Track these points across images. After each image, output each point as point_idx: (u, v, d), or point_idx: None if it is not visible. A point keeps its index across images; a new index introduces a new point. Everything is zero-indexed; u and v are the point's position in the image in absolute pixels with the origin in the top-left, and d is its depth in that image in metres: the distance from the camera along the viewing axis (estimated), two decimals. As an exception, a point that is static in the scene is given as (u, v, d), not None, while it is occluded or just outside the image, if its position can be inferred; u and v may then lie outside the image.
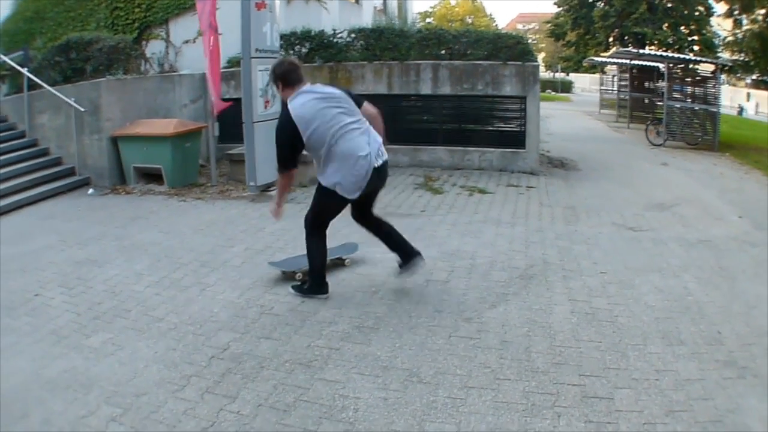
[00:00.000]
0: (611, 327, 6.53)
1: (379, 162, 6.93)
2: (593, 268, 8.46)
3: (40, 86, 14.76)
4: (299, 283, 7.78)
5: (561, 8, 61.21)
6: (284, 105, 7.01)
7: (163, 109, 15.78)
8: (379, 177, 7.02)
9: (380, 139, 7.12)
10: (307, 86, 7.02)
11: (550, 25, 67.87)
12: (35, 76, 15.02)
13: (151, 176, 14.25)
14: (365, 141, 6.88)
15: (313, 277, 7.54)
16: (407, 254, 7.63)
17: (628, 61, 33.61)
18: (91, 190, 13.98)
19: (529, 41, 20.41)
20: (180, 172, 14.09)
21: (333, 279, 7.86)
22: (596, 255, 9.07)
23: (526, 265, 8.58)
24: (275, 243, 9.71)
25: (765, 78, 32.93)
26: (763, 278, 8.47)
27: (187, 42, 19.35)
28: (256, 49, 12.46)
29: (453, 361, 5.79)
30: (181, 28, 19.56)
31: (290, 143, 6.90)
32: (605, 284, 7.88)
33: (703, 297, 7.54)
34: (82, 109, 14.05)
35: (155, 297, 7.63)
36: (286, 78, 7.03)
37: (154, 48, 19.72)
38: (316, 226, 7.43)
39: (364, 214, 7.62)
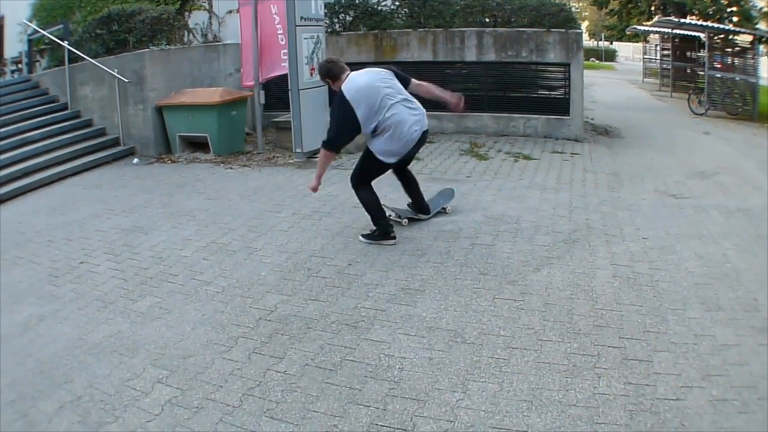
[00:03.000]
0: (652, 291, 6.49)
1: (419, 133, 7.75)
2: (635, 234, 8.40)
3: (82, 59, 14.85)
4: (368, 231, 8.20)
5: (604, -25, 60.33)
6: (340, 93, 7.56)
7: (208, 79, 15.86)
8: (416, 145, 7.92)
9: (422, 110, 7.86)
10: (353, 73, 7.80)
11: (593, -8, 66.91)
12: (76, 49, 15.10)
13: (197, 145, 14.37)
14: (408, 114, 7.66)
15: (377, 224, 8.09)
16: (420, 208, 8.84)
17: (669, 30, 33.20)
18: (136, 160, 14.17)
19: (572, 9, 20.20)
20: (226, 140, 14.16)
21: (377, 243, 7.95)
22: (638, 221, 8.99)
23: (569, 229, 8.53)
24: (322, 208, 9.72)
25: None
26: None
27: (230, 12, 19.08)
28: (301, 17, 12.38)
29: (497, 323, 5.80)
30: None
31: (351, 126, 7.52)
32: (647, 250, 7.80)
33: (741, 264, 7.44)
34: (126, 80, 14.20)
35: (203, 261, 7.74)
36: (331, 73, 7.93)
37: (197, 19, 19.61)
38: (361, 183, 8.14)
39: (401, 170, 8.55)
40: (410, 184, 8.75)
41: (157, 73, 14.47)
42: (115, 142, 14.66)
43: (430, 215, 8.92)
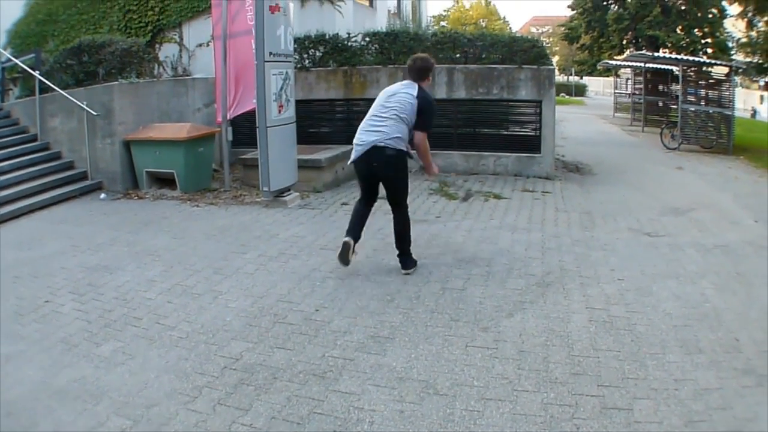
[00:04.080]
0: (630, 335, 6.45)
1: (364, 147, 8.14)
2: (610, 275, 8.38)
3: (52, 89, 14.78)
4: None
5: (575, 11, 60.99)
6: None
7: (176, 113, 15.81)
8: (368, 162, 8.20)
9: (387, 134, 8.05)
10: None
11: (563, 28, 67.50)
12: (47, 79, 15.06)
13: (164, 181, 14.28)
14: (369, 126, 8.24)
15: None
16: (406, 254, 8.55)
17: (642, 64, 33.51)
18: (103, 195, 14.04)
19: (544, 44, 20.35)
20: (193, 177, 14.10)
21: (346, 287, 7.88)
22: (613, 261, 8.97)
23: (542, 272, 8.48)
24: (289, 249, 9.61)
25: (780, 79, 32.81)
26: None
27: (200, 45, 19.51)
28: (270, 53, 12.28)
29: (470, 372, 5.72)
30: (195, 31, 19.73)
31: None
32: (623, 291, 7.78)
33: (721, 303, 7.46)
34: (95, 113, 14.10)
35: (167, 305, 7.60)
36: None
37: (167, 51, 19.89)
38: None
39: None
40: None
41: (126, 107, 14.45)
42: (84, 176, 14.57)
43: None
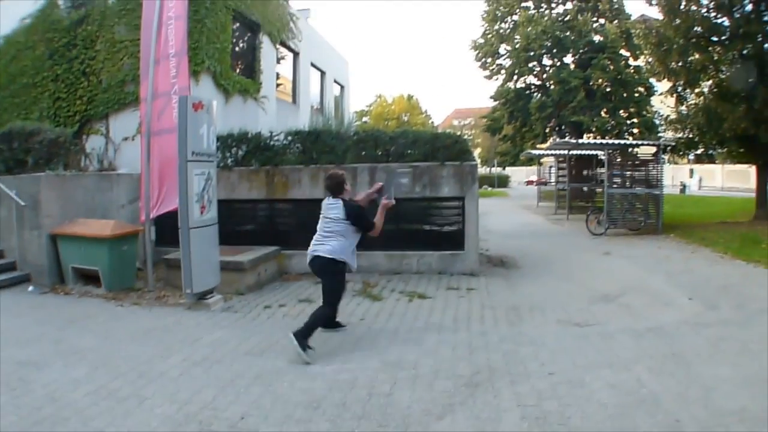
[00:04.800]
0: (564, 429, 6.40)
1: (309, 255, 9.81)
2: (541, 370, 8.34)
3: (-19, 174, 14.71)
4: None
5: (497, 102, 61.91)
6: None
7: (101, 209, 15.77)
8: (313, 265, 9.85)
9: (328, 246, 9.61)
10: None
11: (486, 119, 68.62)
12: (-26, 162, 14.99)
13: (90, 277, 14.18)
14: (316, 237, 9.89)
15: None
16: (306, 332, 9.32)
17: (566, 152, 34.02)
18: (31, 288, 14.03)
19: (466, 137, 20.56)
20: (117, 276, 14.03)
21: (271, 395, 7.75)
22: (543, 355, 8.94)
23: (471, 372, 8.39)
24: (213, 354, 9.46)
25: (710, 152, 33.38)
26: (721, 358, 8.65)
27: (126, 139, 19.50)
28: (193, 152, 12.21)
29: (401, 481, 5.61)
30: (121, 124, 19.71)
31: None
32: (555, 385, 7.74)
33: (657, 387, 7.52)
34: (23, 203, 14.15)
35: (93, 407, 7.43)
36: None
37: (94, 143, 19.85)
38: None
39: None
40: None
41: (52, 199, 14.41)
42: (13, 266, 14.57)
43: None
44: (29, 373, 8.58)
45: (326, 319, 9.87)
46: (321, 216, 9.94)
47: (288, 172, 16.69)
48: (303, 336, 9.16)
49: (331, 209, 9.77)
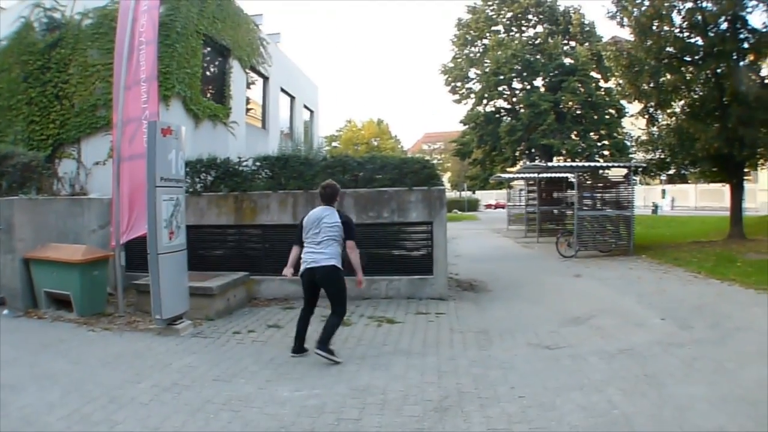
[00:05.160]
0: (534, 454, 6.32)
1: (309, 266, 10.38)
2: (511, 393, 8.27)
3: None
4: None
5: (467, 126, 62.10)
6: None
7: (73, 233, 15.67)
8: (313, 276, 10.46)
9: (327, 255, 10.40)
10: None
11: (455, 144, 68.78)
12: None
13: (62, 302, 14.09)
14: (310, 249, 10.47)
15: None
16: (298, 347, 10.73)
17: (536, 175, 34.10)
18: (6, 311, 13.95)
19: (435, 162, 20.57)
20: (88, 300, 13.92)
21: (240, 420, 7.67)
22: (513, 379, 8.88)
23: (440, 396, 8.30)
24: (182, 380, 9.35)
25: (683, 172, 33.57)
26: (696, 377, 8.65)
27: (97, 164, 19.43)
28: (162, 178, 12.20)
29: None
30: (93, 148, 19.63)
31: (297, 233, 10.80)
32: (525, 409, 7.67)
33: (630, 408, 7.48)
34: None
35: (67, 430, 7.41)
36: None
37: (66, 167, 19.70)
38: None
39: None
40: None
41: (25, 224, 14.36)
42: None
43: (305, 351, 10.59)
44: (6, 395, 8.53)
45: (341, 322, 10.80)
46: (309, 229, 10.46)
47: (256, 198, 16.61)
48: (325, 344, 10.12)
49: (328, 215, 10.43)
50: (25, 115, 20.25)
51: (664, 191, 69.48)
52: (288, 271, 10.67)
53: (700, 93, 27.26)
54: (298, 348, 10.68)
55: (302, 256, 10.52)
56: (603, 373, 9.02)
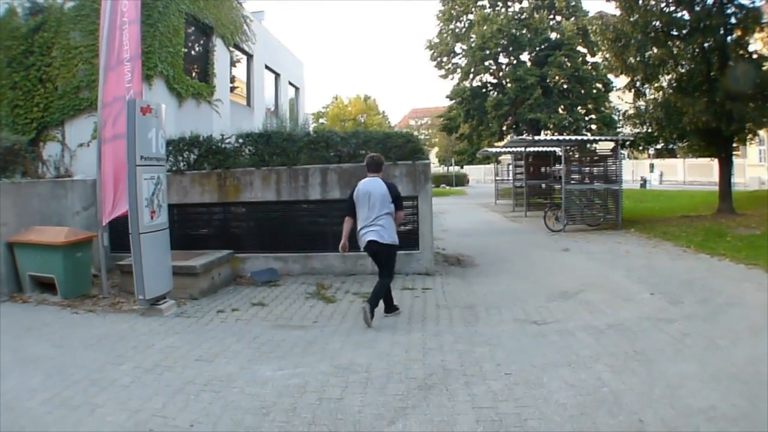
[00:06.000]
0: (521, 432, 6.13)
1: (375, 240, 11.11)
2: (497, 370, 8.13)
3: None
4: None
5: (453, 101, 61.98)
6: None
7: (57, 216, 15.59)
8: (372, 248, 11.30)
9: (381, 226, 11.14)
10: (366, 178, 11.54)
11: (442, 119, 68.57)
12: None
13: (46, 285, 14.02)
14: (365, 222, 11.26)
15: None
16: (388, 307, 11.67)
17: (523, 149, 33.96)
18: None
19: (421, 137, 20.39)
20: (72, 283, 13.87)
21: (221, 401, 7.59)
22: (499, 355, 8.75)
23: (424, 374, 8.17)
24: (164, 361, 9.25)
25: (671, 146, 33.47)
26: (686, 354, 8.54)
27: (81, 145, 19.33)
28: (141, 156, 12.04)
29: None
30: (77, 130, 19.54)
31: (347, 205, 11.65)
32: (511, 386, 7.55)
33: (619, 385, 7.38)
34: None
35: (47, 416, 7.37)
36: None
37: (51, 150, 19.67)
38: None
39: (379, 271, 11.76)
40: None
41: (9, 207, 14.23)
42: None
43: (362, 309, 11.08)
44: None
45: (388, 287, 11.53)
46: (362, 202, 11.18)
47: (240, 175, 16.44)
48: (374, 305, 10.96)
49: (377, 186, 11.16)
50: (9, 100, 20.18)
51: (652, 165, 69.40)
52: (344, 244, 11.39)
53: (688, 67, 27.08)
54: (389, 308, 11.67)
55: (360, 229, 11.25)
56: (591, 349, 8.89)
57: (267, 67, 32.88)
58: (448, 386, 7.66)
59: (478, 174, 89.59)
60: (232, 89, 27.55)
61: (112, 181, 13.68)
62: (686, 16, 26.57)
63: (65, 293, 13.62)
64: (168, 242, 12.87)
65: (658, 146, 33.27)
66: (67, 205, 16.10)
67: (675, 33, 26.97)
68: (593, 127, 54.29)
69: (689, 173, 65.09)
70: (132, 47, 13.71)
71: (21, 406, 7.65)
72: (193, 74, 23.08)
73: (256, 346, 9.70)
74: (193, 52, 23.43)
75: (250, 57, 29.97)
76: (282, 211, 16.30)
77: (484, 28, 55.43)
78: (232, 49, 26.74)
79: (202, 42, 24.19)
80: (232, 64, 27.47)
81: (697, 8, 25.93)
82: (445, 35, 61.76)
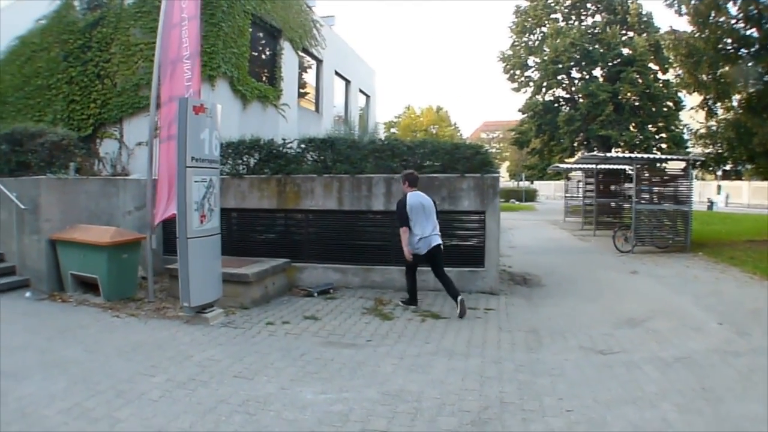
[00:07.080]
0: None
1: (438, 243, 13.13)
2: (558, 406, 7.59)
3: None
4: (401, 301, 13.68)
5: (525, 115, 61.67)
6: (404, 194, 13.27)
7: (106, 215, 15.51)
8: (434, 251, 13.13)
9: (439, 237, 13.21)
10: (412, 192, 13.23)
11: (514, 133, 68.32)
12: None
13: (89, 285, 13.92)
14: (428, 229, 13.06)
15: (410, 294, 13.56)
16: (454, 297, 12.84)
17: (593, 166, 33.35)
18: (28, 293, 13.93)
19: (491, 150, 19.93)
20: (116, 285, 13.72)
21: (253, 425, 7.08)
22: (561, 389, 8.21)
23: (479, 407, 7.62)
24: (200, 375, 8.84)
25: (739, 168, 32.74)
26: (753, 394, 8.02)
27: (140, 144, 19.25)
28: (192, 158, 11.67)
29: None
30: (135, 128, 19.56)
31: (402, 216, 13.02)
32: (572, 425, 7.01)
33: (685, 428, 6.87)
34: (23, 207, 13.96)
35: (62, 426, 7.03)
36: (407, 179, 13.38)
37: (108, 147, 19.73)
38: (408, 267, 13.47)
39: (435, 272, 13.34)
40: (442, 282, 13.15)
41: (53, 203, 14.21)
42: (12, 270, 14.57)
43: (458, 304, 12.61)
44: (6, 384, 8.32)
45: (415, 279, 13.57)
46: (418, 213, 12.93)
47: (300, 181, 16.06)
48: (458, 293, 12.84)
49: (426, 199, 13.17)
50: (65, 95, 20.35)
51: (719, 187, 68.34)
52: (410, 251, 12.94)
53: (758, 86, 26.29)
54: (412, 300, 13.49)
55: (423, 237, 12.94)
56: (657, 384, 8.35)
57: (337, 74, 32.73)
58: (503, 422, 7.12)
59: (548, 190, 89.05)
60: (301, 94, 27.36)
61: (166, 182, 13.40)
62: (755, 34, 25.83)
63: (108, 295, 13.50)
64: (219, 248, 12.54)
65: (727, 167, 32.49)
66: (118, 204, 16.01)
67: (745, 51, 26.23)
68: (663, 146, 53.68)
69: (753, 196, 63.95)
70: (192, 44, 13.43)
71: (37, 413, 7.42)
72: (260, 77, 22.91)
73: (302, 364, 9.23)
74: (260, 55, 23.34)
75: (319, 62, 29.83)
76: (343, 221, 15.86)
77: (557, 41, 55.14)
78: (300, 53, 26.60)
79: (269, 45, 24.08)
80: (301, 68, 27.28)
81: (767, 26, 25.14)
82: (518, 47, 61.65)
